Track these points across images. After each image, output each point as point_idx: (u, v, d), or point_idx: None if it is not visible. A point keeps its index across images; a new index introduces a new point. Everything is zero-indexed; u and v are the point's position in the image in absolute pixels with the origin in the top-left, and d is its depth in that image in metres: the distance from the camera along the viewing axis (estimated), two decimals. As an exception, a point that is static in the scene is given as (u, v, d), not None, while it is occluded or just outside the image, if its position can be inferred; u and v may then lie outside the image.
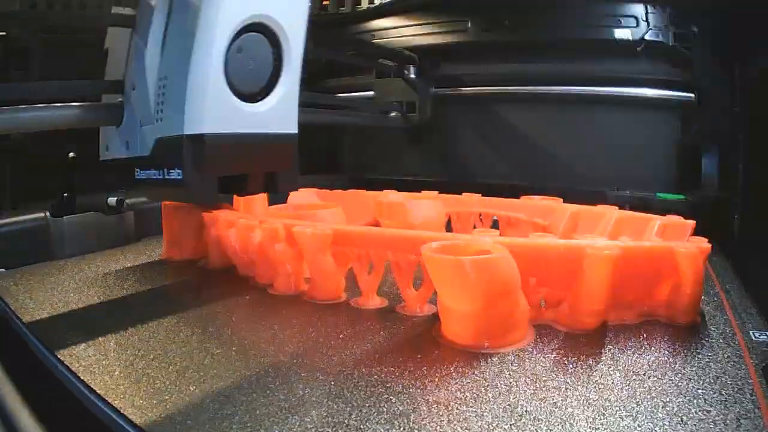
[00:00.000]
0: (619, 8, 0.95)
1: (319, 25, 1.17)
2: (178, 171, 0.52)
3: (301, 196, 0.86)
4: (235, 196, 0.81)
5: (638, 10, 0.94)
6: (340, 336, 0.44)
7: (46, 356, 0.42)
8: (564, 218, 0.69)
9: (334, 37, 1.14)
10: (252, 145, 0.56)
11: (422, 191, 0.84)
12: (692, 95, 0.92)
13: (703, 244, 0.46)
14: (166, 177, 0.54)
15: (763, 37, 0.73)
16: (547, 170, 1.05)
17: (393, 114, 1.11)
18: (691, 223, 0.58)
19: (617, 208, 0.67)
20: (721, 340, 0.43)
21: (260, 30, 0.54)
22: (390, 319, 0.48)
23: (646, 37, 0.93)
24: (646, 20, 0.93)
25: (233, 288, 0.57)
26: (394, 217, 0.76)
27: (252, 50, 0.54)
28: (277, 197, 0.84)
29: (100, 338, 0.44)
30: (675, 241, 0.48)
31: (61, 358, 0.40)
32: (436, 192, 0.84)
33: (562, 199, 0.78)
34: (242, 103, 0.54)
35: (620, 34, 0.95)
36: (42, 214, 0.70)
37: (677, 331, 0.45)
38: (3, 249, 0.66)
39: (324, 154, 1.28)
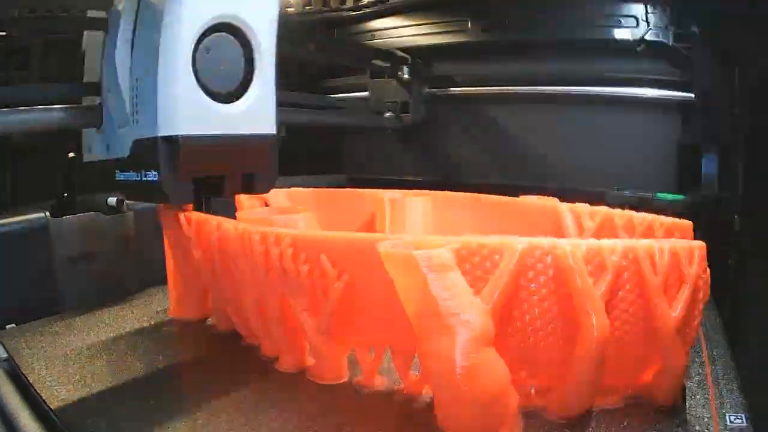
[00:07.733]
0: (619, 8, 0.93)
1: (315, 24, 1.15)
2: (155, 173, 0.53)
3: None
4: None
5: (638, 10, 0.92)
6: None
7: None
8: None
9: (328, 38, 1.12)
10: (228, 146, 0.57)
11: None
12: (692, 95, 0.91)
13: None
14: (144, 179, 0.55)
15: (763, 38, 0.71)
16: (547, 170, 1.05)
17: (388, 114, 1.11)
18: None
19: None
20: (696, 427, 0.45)
21: (228, 30, 0.55)
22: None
23: (646, 37, 0.92)
24: (646, 20, 0.92)
25: (240, 363, 0.57)
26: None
27: (221, 50, 0.55)
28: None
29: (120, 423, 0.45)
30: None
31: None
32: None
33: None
34: (216, 104, 0.55)
35: (620, 34, 0.94)
36: (42, 214, 0.70)
37: (658, 416, 0.46)
38: (2, 249, 0.66)
39: (323, 154, 1.28)
